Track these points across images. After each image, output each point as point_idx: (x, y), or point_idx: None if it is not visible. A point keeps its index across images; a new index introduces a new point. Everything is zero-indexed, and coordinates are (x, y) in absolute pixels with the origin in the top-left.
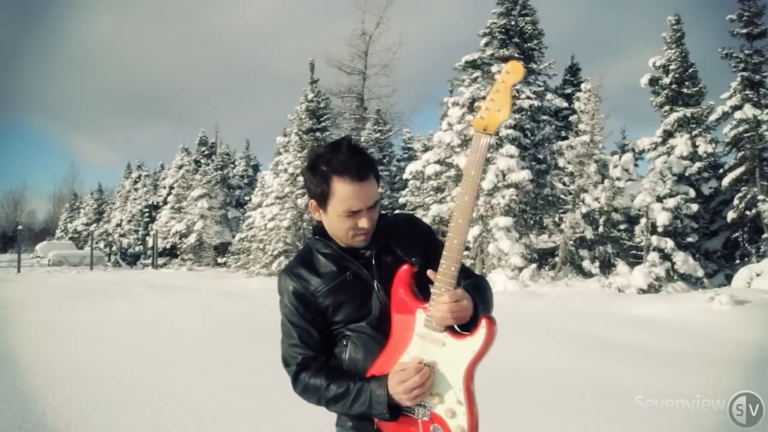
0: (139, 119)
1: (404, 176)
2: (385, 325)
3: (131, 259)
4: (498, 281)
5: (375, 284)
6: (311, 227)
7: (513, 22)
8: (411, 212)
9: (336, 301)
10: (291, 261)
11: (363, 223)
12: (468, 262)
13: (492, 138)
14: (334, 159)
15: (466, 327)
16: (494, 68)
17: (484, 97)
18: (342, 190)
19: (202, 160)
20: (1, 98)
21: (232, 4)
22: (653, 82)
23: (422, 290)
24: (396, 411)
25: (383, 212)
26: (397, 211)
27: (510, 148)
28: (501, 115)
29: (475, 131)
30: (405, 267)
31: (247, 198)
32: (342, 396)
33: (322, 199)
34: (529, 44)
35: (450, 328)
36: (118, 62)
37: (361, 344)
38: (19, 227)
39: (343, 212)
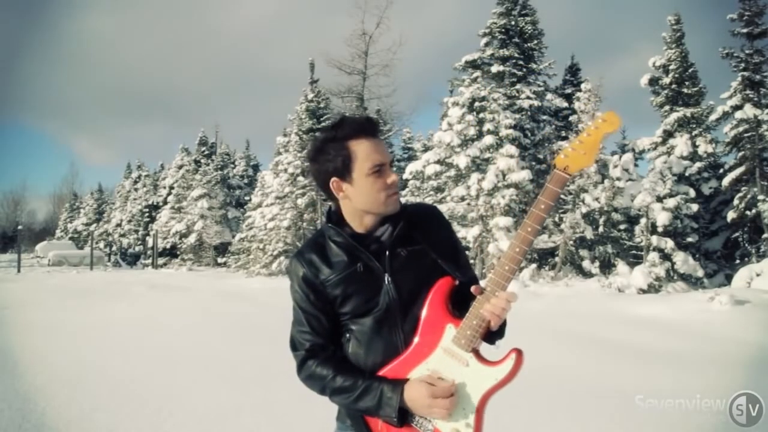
0: (139, 119)
1: (404, 176)
2: (391, 320)
3: (131, 259)
4: None
5: (386, 277)
6: (326, 212)
7: (513, 22)
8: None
9: (345, 293)
10: (303, 245)
11: (391, 178)
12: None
13: (570, 179)
14: (342, 129)
15: (488, 337)
16: (494, 68)
17: (484, 98)
18: (363, 148)
19: (202, 160)
20: (1, 97)
21: (232, 4)
22: (653, 82)
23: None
24: (403, 417)
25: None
26: (401, 201)
27: (510, 148)
28: (585, 160)
29: (556, 168)
30: (444, 279)
31: (247, 198)
32: (348, 389)
33: (344, 167)
34: (529, 44)
35: (476, 351)
36: (117, 61)
37: (364, 340)
38: (19, 227)
39: (370, 169)
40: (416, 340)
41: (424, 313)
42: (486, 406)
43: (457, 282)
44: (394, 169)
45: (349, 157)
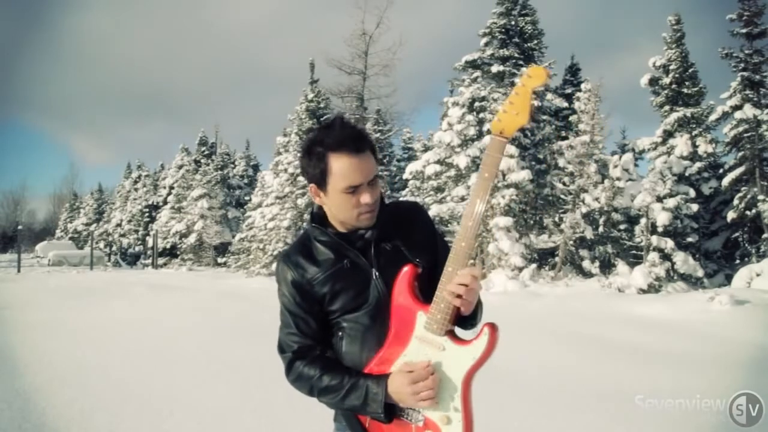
0: (138, 119)
1: (404, 176)
2: (383, 315)
3: (131, 259)
4: (498, 281)
5: (373, 272)
6: (310, 216)
7: (513, 22)
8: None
9: (333, 289)
10: (288, 248)
11: (366, 198)
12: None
13: (508, 142)
14: (328, 137)
15: (462, 323)
16: (494, 68)
17: (484, 98)
18: (340, 166)
19: (202, 160)
20: (0, 96)
21: (232, 3)
22: (653, 82)
23: (423, 292)
24: (390, 413)
25: (386, 202)
26: (402, 198)
27: (510, 148)
28: (519, 119)
29: (492, 134)
30: (408, 267)
31: (247, 198)
32: (334, 388)
33: (321, 179)
34: (529, 44)
35: (450, 333)
36: (117, 61)
37: (356, 336)
38: (19, 227)
39: (344, 188)
40: (391, 333)
41: (391, 305)
42: (470, 386)
43: (420, 269)
44: (392, 170)
45: (326, 170)
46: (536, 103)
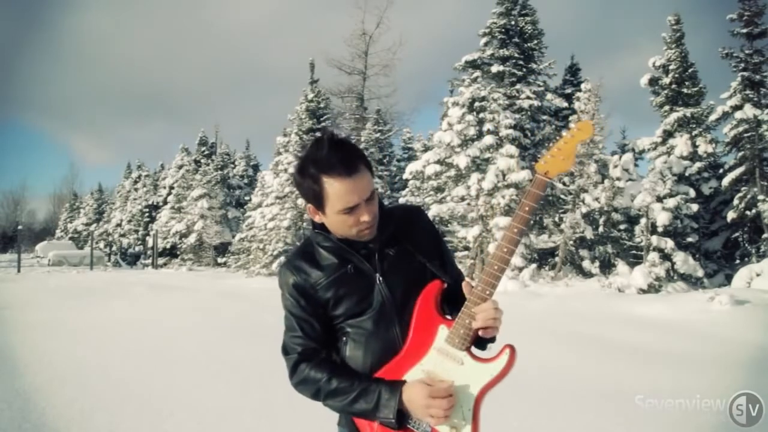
0: (138, 119)
1: (404, 176)
2: (386, 320)
3: (131, 259)
4: None
5: (377, 277)
6: (311, 221)
7: (513, 22)
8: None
9: (336, 294)
10: (291, 254)
11: (364, 217)
12: (468, 263)
13: (550, 182)
14: (319, 157)
15: (481, 345)
16: (494, 68)
17: (484, 98)
18: (334, 189)
19: (202, 160)
20: (0, 96)
21: (232, 3)
22: (653, 82)
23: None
24: (401, 419)
25: (386, 205)
26: (402, 201)
27: (510, 148)
28: (564, 165)
29: (537, 173)
30: (435, 282)
31: (247, 198)
32: (344, 391)
33: (317, 201)
34: (529, 44)
35: (469, 350)
36: (117, 61)
37: (360, 341)
38: (19, 227)
39: (341, 210)
40: (409, 342)
41: (415, 316)
42: (482, 402)
43: (445, 285)
44: (392, 170)
45: (320, 193)
46: (536, 103)
